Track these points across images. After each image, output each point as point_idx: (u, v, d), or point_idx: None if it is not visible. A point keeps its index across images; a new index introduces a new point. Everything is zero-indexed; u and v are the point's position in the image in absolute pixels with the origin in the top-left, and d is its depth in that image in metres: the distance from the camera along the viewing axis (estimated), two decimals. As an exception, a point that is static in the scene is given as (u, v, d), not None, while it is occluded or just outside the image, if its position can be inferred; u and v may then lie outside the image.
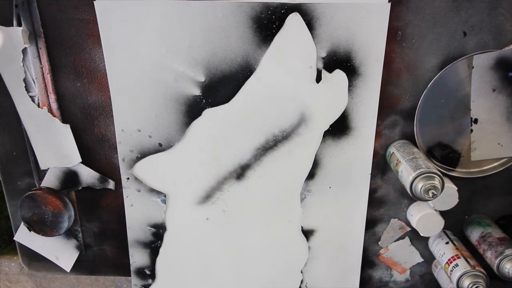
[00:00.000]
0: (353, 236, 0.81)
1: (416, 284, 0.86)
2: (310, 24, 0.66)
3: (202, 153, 0.75)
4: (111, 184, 0.79)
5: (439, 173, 0.64)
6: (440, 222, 0.74)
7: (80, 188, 0.79)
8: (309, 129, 0.73)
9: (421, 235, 0.75)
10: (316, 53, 0.68)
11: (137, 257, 0.85)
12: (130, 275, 0.87)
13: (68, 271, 0.86)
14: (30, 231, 0.79)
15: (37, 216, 0.77)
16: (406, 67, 0.69)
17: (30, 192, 0.76)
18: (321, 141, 0.73)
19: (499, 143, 0.71)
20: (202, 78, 0.70)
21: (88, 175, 0.79)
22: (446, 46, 0.67)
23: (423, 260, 0.83)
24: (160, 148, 0.75)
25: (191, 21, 0.67)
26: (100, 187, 0.79)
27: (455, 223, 0.79)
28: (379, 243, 0.82)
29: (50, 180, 0.79)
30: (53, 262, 0.86)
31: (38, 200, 0.76)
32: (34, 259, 0.87)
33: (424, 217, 0.74)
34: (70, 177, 0.79)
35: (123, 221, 0.82)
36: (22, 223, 0.81)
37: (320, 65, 0.68)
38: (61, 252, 0.85)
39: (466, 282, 0.68)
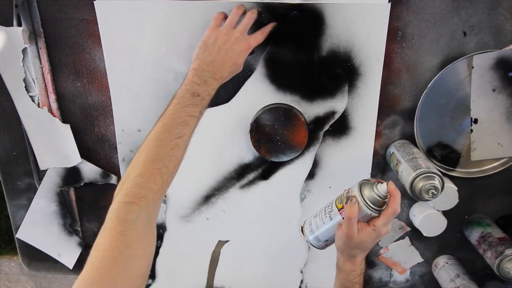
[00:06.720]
0: (353, 236, 0.81)
1: (416, 284, 0.86)
2: (310, 24, 0.66)
3: (202, 153, 0.75)
4: (113, 179, 0.79)
5: (439, 173, 0.64)
6: (443, 222, 0.74)
7: (82, 184, 0.79)
8: (309, 129, 0.72)
9: (424, 235, 0.75)
10: (316, 52, 0.67)
11: (137, 257, 0.85)
12: (130, 275, 0.86)
13: (71, 268, 0.86)
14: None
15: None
16: (406, 67, 0.69)
17: None
18: (321, 141, 0.73)
19: (499, 143, 0.71)
20: (202, 78, 0.70)
21: (90, 171, 0.78)
22: (446, 46, 0.67)
23: (423, 260, 0.83)
24: (160, 148, 0.75)
25: (191, 21, 0.67)
26: (102, 182, 0.79)
27: (455, 223, 0.78)
28: (379, 243, 0.82)
29: (51, 177, 0.79)
30: (53, 262, 0.86)
31: None
32: (34, 259, 0.87)
33: (427, 217, 0.74)
34: (72, 173, 0.79)
35: (123, 221, 0.81)
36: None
37: (321, 65, 0.68)
38: (64, 249, 0.85)
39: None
